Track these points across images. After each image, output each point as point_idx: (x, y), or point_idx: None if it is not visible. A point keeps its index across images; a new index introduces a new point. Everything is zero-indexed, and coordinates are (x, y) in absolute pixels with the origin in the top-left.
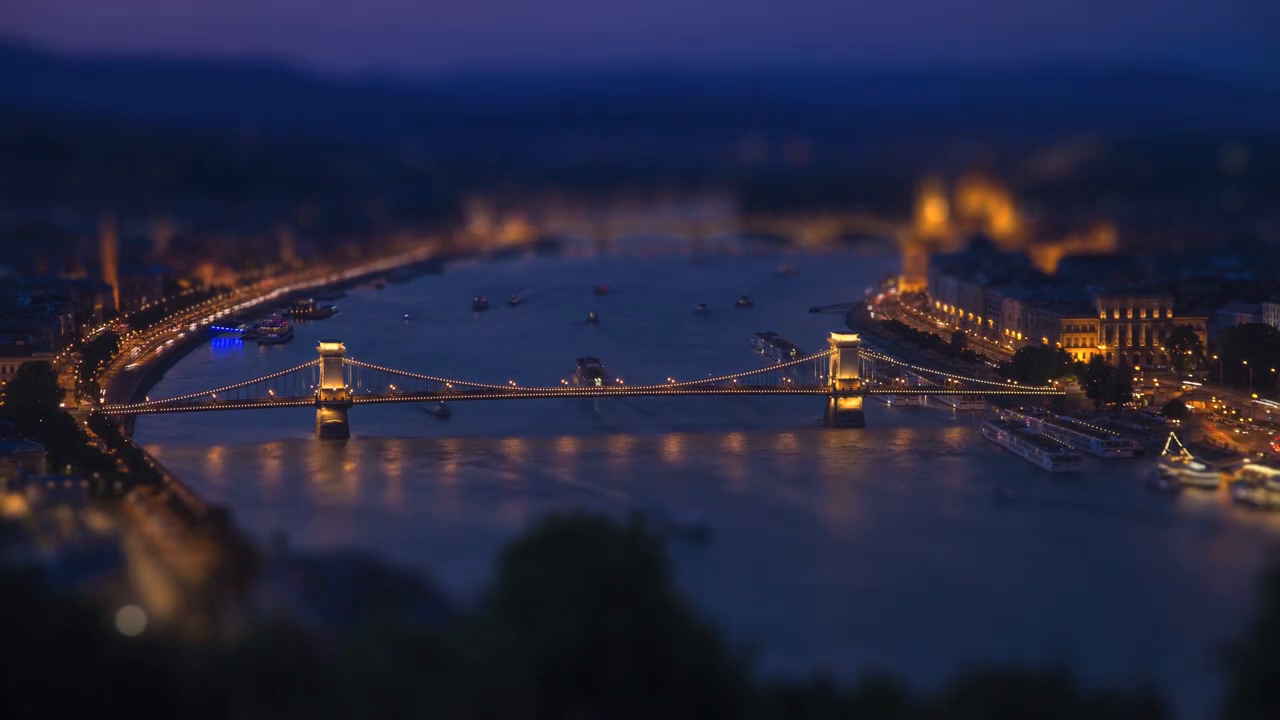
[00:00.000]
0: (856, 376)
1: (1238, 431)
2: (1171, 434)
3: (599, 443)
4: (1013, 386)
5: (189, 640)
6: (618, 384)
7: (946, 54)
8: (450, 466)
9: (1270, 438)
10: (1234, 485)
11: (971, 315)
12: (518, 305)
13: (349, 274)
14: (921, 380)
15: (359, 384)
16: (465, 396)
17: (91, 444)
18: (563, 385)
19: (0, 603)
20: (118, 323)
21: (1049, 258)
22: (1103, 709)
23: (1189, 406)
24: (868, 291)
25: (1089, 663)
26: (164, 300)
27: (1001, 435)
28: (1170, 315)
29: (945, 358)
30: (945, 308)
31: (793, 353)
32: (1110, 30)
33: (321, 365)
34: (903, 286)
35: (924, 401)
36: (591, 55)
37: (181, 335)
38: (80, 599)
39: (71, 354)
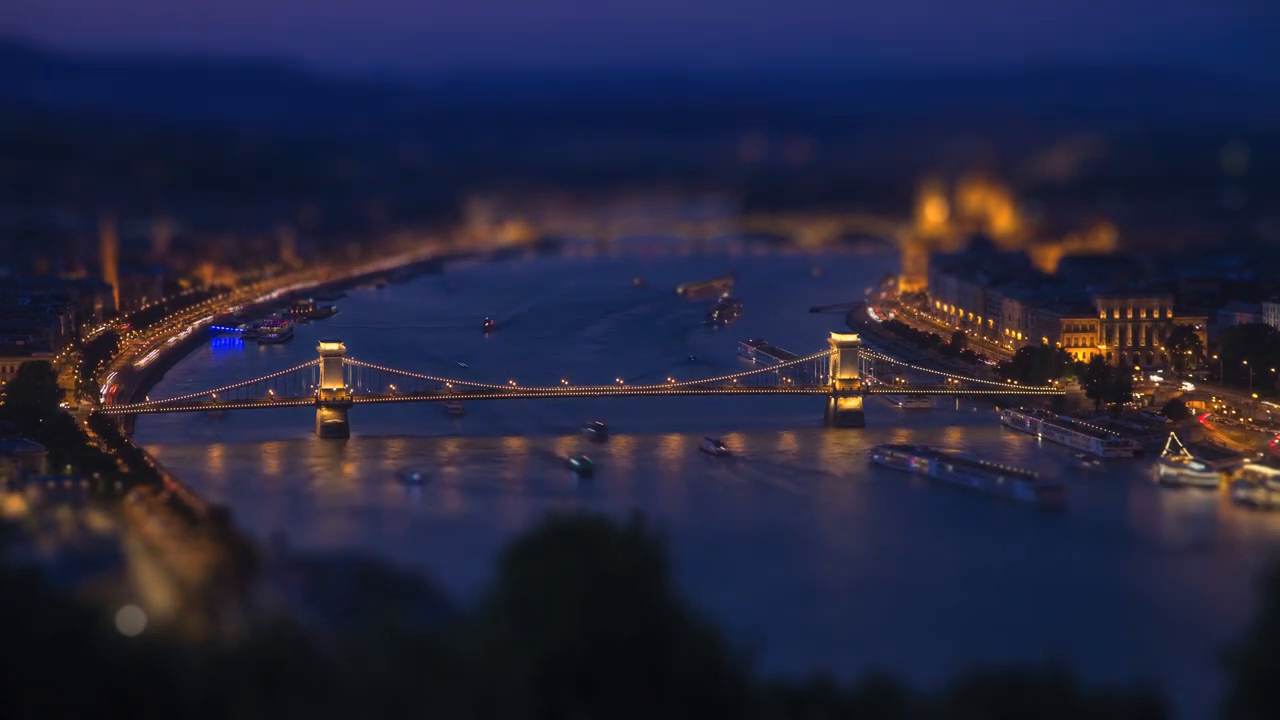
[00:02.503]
0: (856, 376)
1: (1238, 431)
2: (1171, 434)
3: (598, 443)
4: (1013, 386)
5: (189, 640)
6: (618, 384)
7: (946, 54)
8: (450, 466)
9: (1270, 437)
10: (1234, 485)
11: (971, 315)
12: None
13: (349, 274)
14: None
15: (359, 384)
16: (465, 396)
17: (91, 444)
18: (563, 385)
19: (0, 603)
20: (118, 323)
21: (1049, 258)
22: (1103, 709)
23: (1189, 406)
24: (868, 291)
25: (1089, 663)
26: (164, 300)
27: (919, 463)
28: (1170, 315)
29: (945, 357)
30: (945, 308)
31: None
32: (1110, 30)
33: (321, 365)
34: (903, 286)
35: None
36: (592, 55)
37: (183, 335)
38: (80, 599)
39: (71, 354)
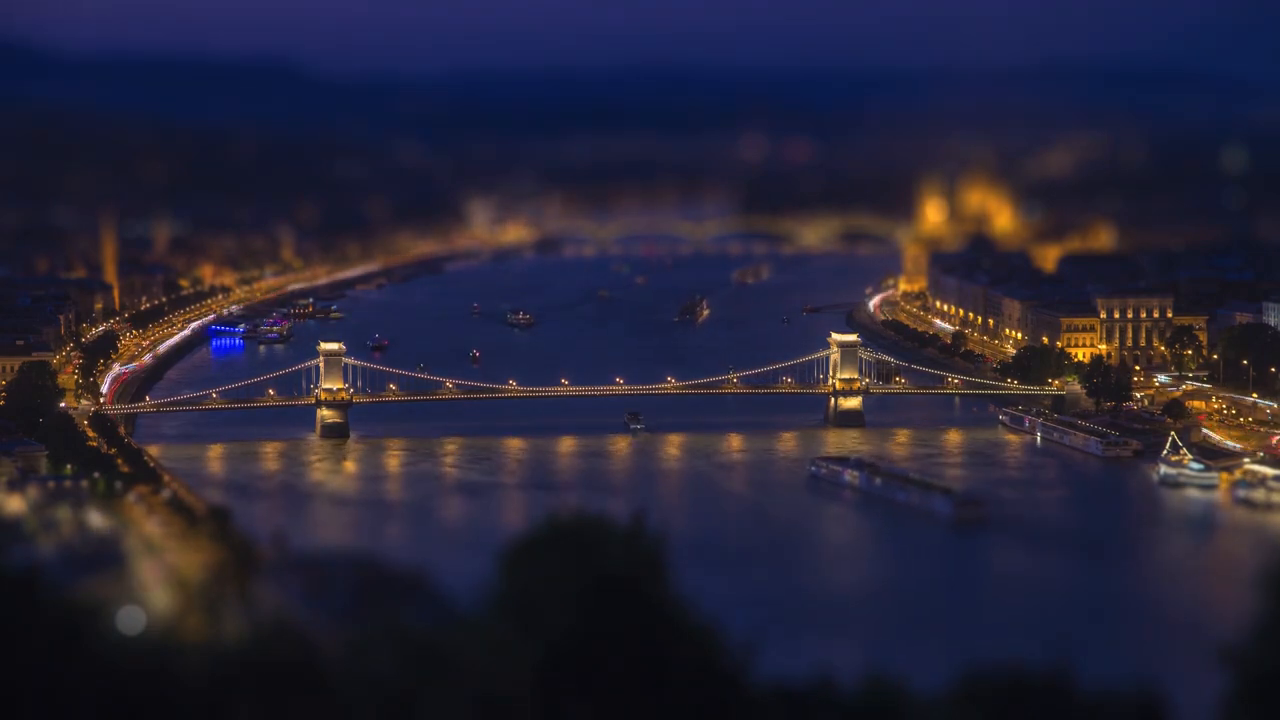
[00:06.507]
0: (856, 376)
1: (1238, 431)
2: (1172, 434)
3: (599, 442)
4: (1013, 386)
5: (189, 640)
6: (618, 383)
7: (946, 54)
8: (450, 466)
9: (1270, 437)
10: (1234, 485)
11: (971, 315)
12: None
13: (349, 274)
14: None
15: (359, 384)
16: (465, 396)
17: (91, 444)
18: (563, 384)
19: (0, 603)
20: (118, 323)
21: (1049, 258)
22: (1103, 709)
23: (1189, 406)
24: (868, 291)
25: (1089, 663)
26: (164, 300)
27: (851, 475)
28: (1170, 315)
29: (945, 357)
30: (945, 307)
31: None
32: (1110, 30)
33: (321, 365)
34: (903, 286)
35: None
36: (591, 55)
37: (182, 336)
38: (80, 599)
39: (71, 354)
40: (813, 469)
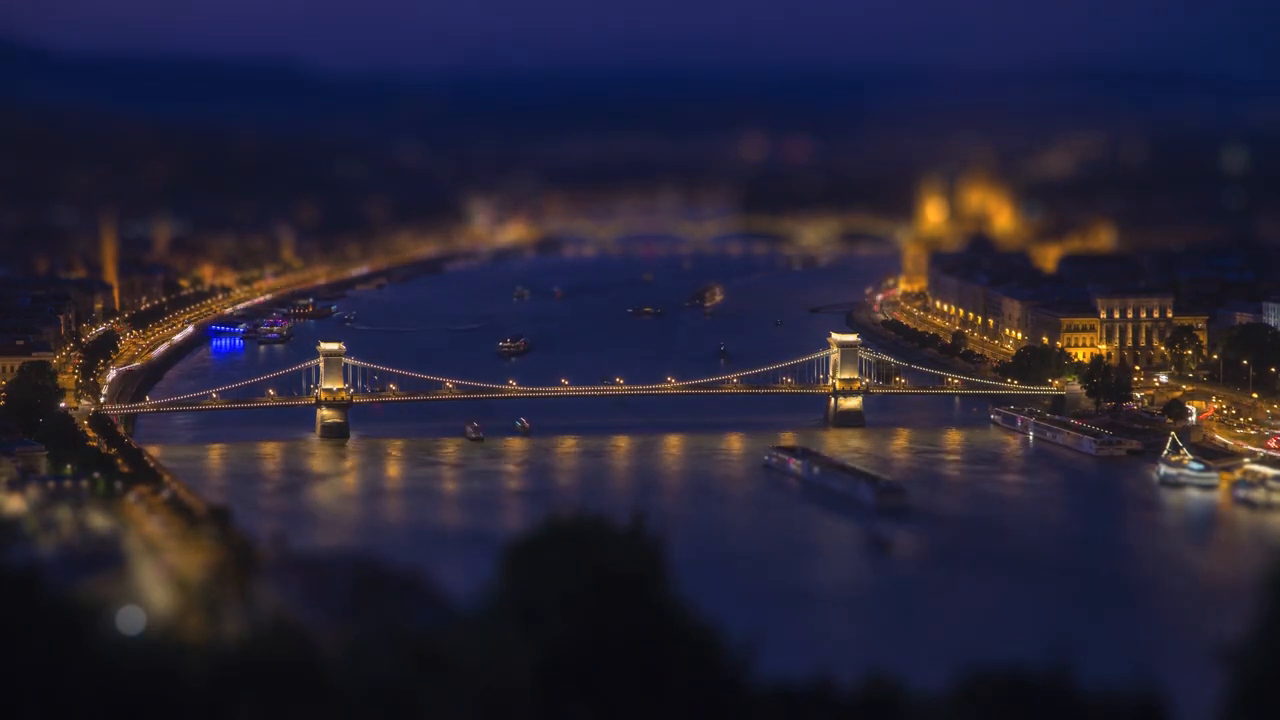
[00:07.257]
0: (856, 376)
1: (1238, 431)
2: (1172, 434)
3: (599, 442)
4: (1013, 386)
5: (189, 640)
6: (618, 383)
7: (947, 54)
8: (450, 467)
9: (1270, 438)
10: (1234, 485)
11: (971, 315)
12: None
13: (349, 274)
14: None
15: (359, 384)
16: (465, 396)
17: (91, 444)
18: (562, 384)
19: (0, 603)
20: (118, 323)
21: (1049, 258)
22: (1103, 709)
23: (1189, 406)
24: (868, 291)
25: (1089, 663)
26: (164, 300)
27: (795, 465)
28: (1170, 315)
29: (945, 357)
30: (945, 307)
31: None
32: (1111, 30)
33: (321, 365)
34: (903, 286)
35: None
36: (591, 55)
37: (183, 335)
38: (80, 599)
39: (71, 354)
40: (766, 459)
